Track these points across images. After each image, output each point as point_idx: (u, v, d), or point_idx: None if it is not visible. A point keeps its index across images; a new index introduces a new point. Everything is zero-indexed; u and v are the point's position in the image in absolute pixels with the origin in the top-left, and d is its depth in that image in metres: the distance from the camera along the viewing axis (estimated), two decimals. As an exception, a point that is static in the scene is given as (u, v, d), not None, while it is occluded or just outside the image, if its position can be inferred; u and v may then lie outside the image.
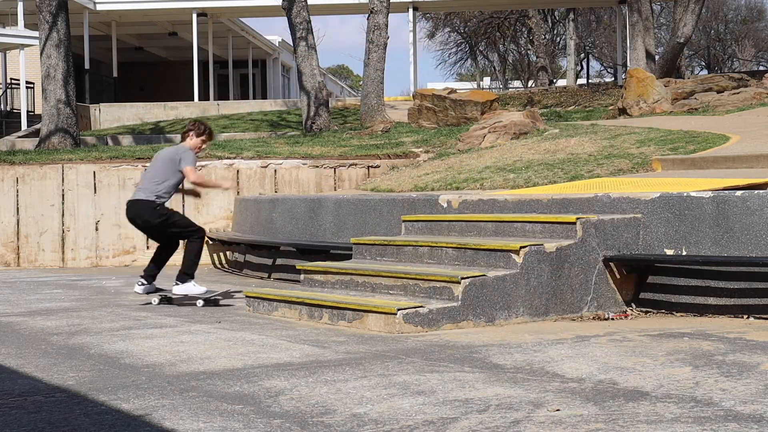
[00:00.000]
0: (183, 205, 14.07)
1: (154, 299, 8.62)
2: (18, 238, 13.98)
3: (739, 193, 6.82)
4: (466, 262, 7.18)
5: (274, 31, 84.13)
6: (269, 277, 11.21)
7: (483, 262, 7.05)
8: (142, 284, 8.72)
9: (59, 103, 18.61)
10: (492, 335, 6.26)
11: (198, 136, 8.77)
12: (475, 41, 53.32)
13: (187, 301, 8.61)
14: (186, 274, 8.49)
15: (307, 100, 20.62)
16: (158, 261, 8.81)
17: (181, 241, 8.86)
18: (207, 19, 34.11)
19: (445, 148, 15.12)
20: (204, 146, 8.90)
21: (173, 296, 8.60)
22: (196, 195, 9.39)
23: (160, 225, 8.52)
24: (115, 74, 34.75)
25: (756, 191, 6.82)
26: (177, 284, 8.50)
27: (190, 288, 8.47)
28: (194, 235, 8.57)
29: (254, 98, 39.84)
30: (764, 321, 6.58)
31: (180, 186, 8.78)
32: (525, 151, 13.02)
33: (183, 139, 8.86)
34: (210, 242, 13.44)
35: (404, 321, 6.43)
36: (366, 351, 5.77)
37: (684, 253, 6.97)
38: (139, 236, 13.99)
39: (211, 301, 8.47)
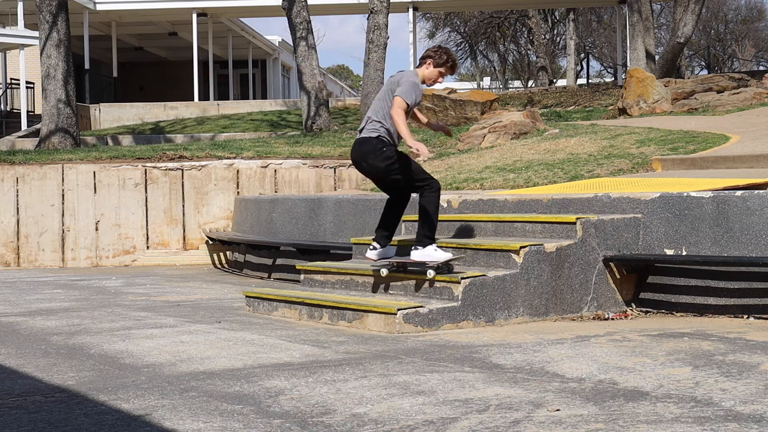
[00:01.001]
0: (183, 204, 14.09)
1: (384, 270, 7.10)
2: (18, 238, 13.98)
3: (739, 193, 6.82)
4: (466, 262, 7.17)
5: (274, 31, 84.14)
6: (269, 277, 11.21)
7: (483, 262, 7.04)
8: (374, 248, 7.22)
9: (59, 102, 18.61)
10: (492, 335, 6.26)
11: (436, 66, 7.08)
12: (475, 41, 53.32)
13: (422, 268, 6.97)
14: (426, 236, 6.90)
15: (307, 100, 20.62)
16: (390, 219, 7.30)
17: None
18: (207, 19, 34.11)
19: (445, 148, 15.12)
20: (441, 80, 7.16)
21: (410, 263, 7.00)
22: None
23: (387, 170, 6.95)
24: (115, 74, 34.76)
25: (756, 191, 6.82)
26: (416, 249, 6.92)
27: (432, 253, 6.86)
28: (426, 187, 6.97)
29: (254, 98, 39.85)
30: (764, 321, 6.58)
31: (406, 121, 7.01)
32: (525, 151, 13.02)
33: (418, 66, 7.22)
34: (210, 242, 13.45)
35: (404, 321, 6.43)
36: (366, 351, 5.77)
37: (684, 253, 6.97)
38: (139, 236, 14.00)
39: (444, 268, 6.89)
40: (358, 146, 7.06)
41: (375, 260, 7.20)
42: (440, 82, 7.29)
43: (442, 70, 7.08)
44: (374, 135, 6.94)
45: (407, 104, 6.84)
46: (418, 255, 6.86)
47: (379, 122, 6.94)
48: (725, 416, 3.94)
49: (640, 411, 4.08)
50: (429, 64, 7.08)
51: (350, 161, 14.40)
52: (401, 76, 7.03)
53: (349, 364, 5.31)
